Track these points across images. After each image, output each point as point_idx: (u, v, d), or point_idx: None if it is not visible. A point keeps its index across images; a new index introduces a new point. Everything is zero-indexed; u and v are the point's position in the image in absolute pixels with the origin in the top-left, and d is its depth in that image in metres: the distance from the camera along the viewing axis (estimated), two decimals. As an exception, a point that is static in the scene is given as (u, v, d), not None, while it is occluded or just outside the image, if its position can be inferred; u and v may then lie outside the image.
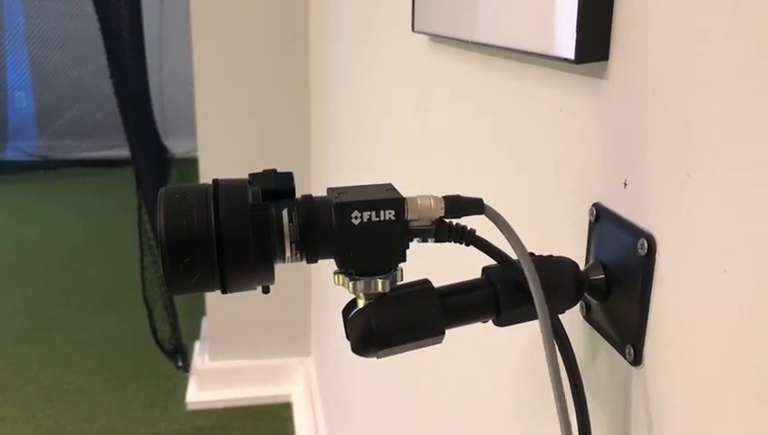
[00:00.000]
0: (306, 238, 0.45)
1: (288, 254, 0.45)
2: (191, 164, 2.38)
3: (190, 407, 2.52)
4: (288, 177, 0.46)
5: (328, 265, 0.47)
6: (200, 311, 2.64)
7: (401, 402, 1.19)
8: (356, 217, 0.44)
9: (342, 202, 0.44)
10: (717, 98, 0.38)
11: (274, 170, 0.46)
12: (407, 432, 1.16)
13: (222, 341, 2.54)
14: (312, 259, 0.46)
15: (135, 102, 2.94)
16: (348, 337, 0.47)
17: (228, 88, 2.26)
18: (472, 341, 0.78)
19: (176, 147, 5.30)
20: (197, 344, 2.73)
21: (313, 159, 2.31)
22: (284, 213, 0.44)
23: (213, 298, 2.48)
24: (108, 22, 2.62)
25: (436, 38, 0.87)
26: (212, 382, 2.55)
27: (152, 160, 3.45)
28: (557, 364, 0.46)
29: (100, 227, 4.33)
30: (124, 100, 2.71)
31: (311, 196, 0.46)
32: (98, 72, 4.88)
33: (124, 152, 3.15)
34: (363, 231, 0.45)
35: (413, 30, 0.90)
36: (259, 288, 0.46)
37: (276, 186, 0.45)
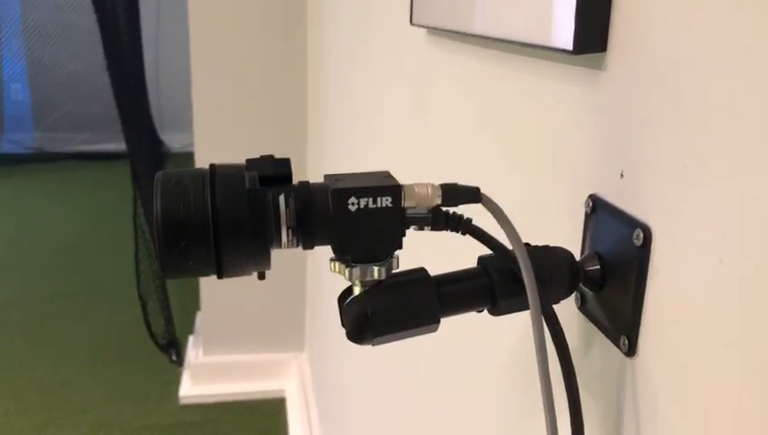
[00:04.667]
0: (303, 224, 0.45)
1: (284, 239, 0.45)
2: (187, 159, 2.38)
3: (183, 401, 2.52)
4: (285, 163, 0.46)
5: (323, 261, 0.47)
6: (194, 305, 2.64)
7: (394, 397, 1.19)
8: (353, 204, 0.44)
9: (339, 188, 0.44)
10: (714, 89, 0.38)
11: (272, 156, 0.46)
12: (400, 427, 1.16)
13: (216, 335, 2.54)
14: (308, 245, 0.45)
15: (131, 96, 2.93)
16: (343, 324, 0.47)
17: (225, 81, 2.26)
18: (467, 332, 0.78)
19: (172, 141, 5.28)
20: (191, 338, 2.73)
21: (310, 151, 2.31)
22: (281, 198, 0.44)
23: (207, 292, 2.47)
24: (105, 14, 2.61)
25: (435, 31, 0.87)
26: (205, 377, 2.54)
27: (148, 154, 3.44)
28: (545, 353, 0.46)
29: (96, 221, 4.32)
30: (120, 93, 2.71)
31: (307, 182, 0.46)
32: (94, 65, 4.85)
33: (120, 146, 3.14)
34: (360, 218, 0.45)
35: (411, 23, 0.90)
36: (254, 274, 0.46)
37: (274, 171, 0.45)
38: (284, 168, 0.45)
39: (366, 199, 0.45)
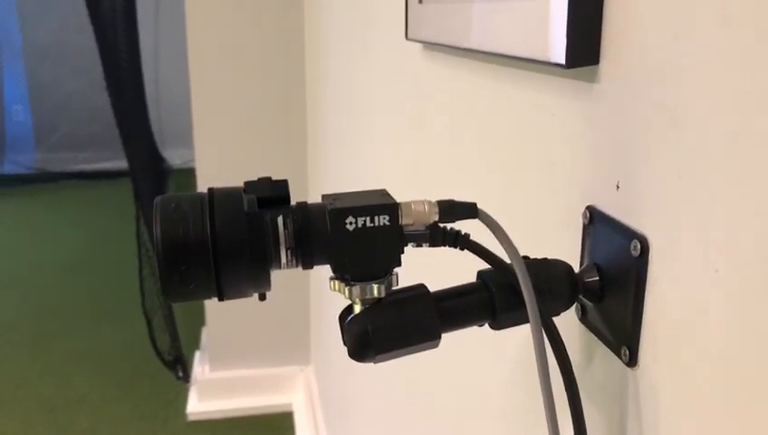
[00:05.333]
0: (301, 245, 0.45)
1: (284, 260, 0.45)
2: (189, 174, 2.39)
3: (191, 417, 2.51)
4: (283, 184, 0.46)
5: (326, 273, 0.47)
6: (200, 321, 2.64)
7: (402, 409, 1.19)
8: (350, 223, 0.45)
9: (337, 208, 0.45)
10: (706, 99, 0.38)
11: (269, 178, 0.46)
12: (407, 439, 1.16)
13: (222, 351, 2.54)
14: (307, 265, 0.46)
15: (131, 114, 2.94)
16: (344, 343, 0.47)
17: (224, 98, 2.27)
18: (472, 345, 0.79)
19: (173, 157, 5.29)
20: (197, 354, 2.73)
21: (310, 167, 2.32)
22: (279, 220, 0.45)
23: (212, 308, 2.48)
24: (103, 34, 2.63)
25: (430, 46, 0.88)
26: (212, 393, 2.54)
27: (150, 171, 3.45)
28: (547, 366, 0.46)
29: (99, 239, 4.33)
30: (121, 111, 2.72)
31: (305, 202, 0.47)
32: (94, 84, 4.88)
33: (122, 164, 3.15)
34: (358, 236, 0.45)
35: (406, 38, 0.91)
36: (255, 295, 0.46)
37: (271, 193, 0.46)
38: (282, 189, 0.46)
39: (363, 218, 0.45)
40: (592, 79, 0.50)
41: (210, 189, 0.45)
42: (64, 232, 4.48)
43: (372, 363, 0.47)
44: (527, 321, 0.47)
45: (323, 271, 0.47)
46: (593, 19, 0.48)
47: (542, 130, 0.59)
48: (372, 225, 0.45)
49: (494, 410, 0.75)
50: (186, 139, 2.79)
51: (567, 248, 0.55)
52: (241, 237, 0.43)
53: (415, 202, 0.47)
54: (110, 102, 2.70)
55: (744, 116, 0.35)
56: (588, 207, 0.52)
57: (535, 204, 0.61)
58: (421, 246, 0.48)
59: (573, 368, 0.48)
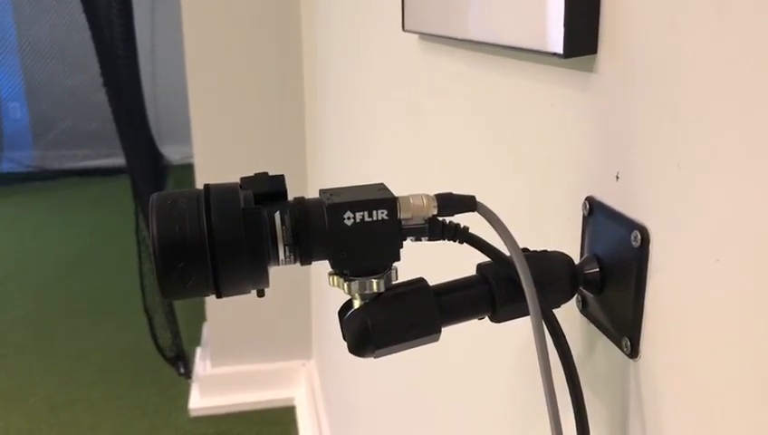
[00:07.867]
0: (299, 240, 0.45)
1: (282, 256, 0.45)
2: (187, 170, 2.38)
3: (193, 413, 2.52)
4: (280, 179, 0.46)
5: (327, 267, 0.47)
6: (201, 317, 2.64)
7: (404, 402, 1.19)
8: (348, 218, 0.44)
9: (334, 203, 0.44)
10: (705, 87, 0.38)
11: (266, 173, 0.46)
12: (410, 433, 1.16)
13: (223, 346, 2.54)
14: (305, 261, 0.45)
15: (129, 110, 2.94)
16: (344, 338, 0.47)
17: (222, 93, 2.26)
18: (473, 339, 0.78)
19: (171, 153, 5.29)
20: (199, 350, 2.73)
21: (309, 161, 2.31)
22: (277, 216, 0.44)
23: (213, 304, 2.47)
24: (100, 30, 2.62)
25: (427, 37, 0.87)
26: (214, 388, 2.54)
27: (148, 168, 3.45)
28: (547, 358, 0.46)
29: (99, 236, 4.32)
30: (118, 108, 2.71)
31: (303, 198, 0.46)
32: (92, 80, 4.87)
33: (120, 161, 3.14)
34: (356, 231, 0.45)
35: (403, 29, 0.90)
36: (254, 292, 0.46)
37: (268, 189, 0.45)
38: (279, 184, 0.45)
39: (362, 213, 0.44)
40: (590, 68, 0.50)
41: (206, 186, 0.44)
42: (64, 230, 4.47)
43: (372, 358, 0.47)
44: (527, 313, 0.47)
45: (324, 264, 0.47)
46: (591, 8, 0.48)
47: (540, 121, 0.59)
48: (371, 219, 0.45)
49: (495, 401, 0.75)
50: (184, 135, 2.78)
51: (567, 240, 0.54)
52: (238, 234, 0.42)
53: (413, 196, 0.47)
54: (107, 99, 2.69)
55: (743, 103, 0.35)
56: (587, 198, 0.51)
57: (534, 195, 0.61)
58: (420, 240, 0.47)
59: (574, 360, 0.48)
